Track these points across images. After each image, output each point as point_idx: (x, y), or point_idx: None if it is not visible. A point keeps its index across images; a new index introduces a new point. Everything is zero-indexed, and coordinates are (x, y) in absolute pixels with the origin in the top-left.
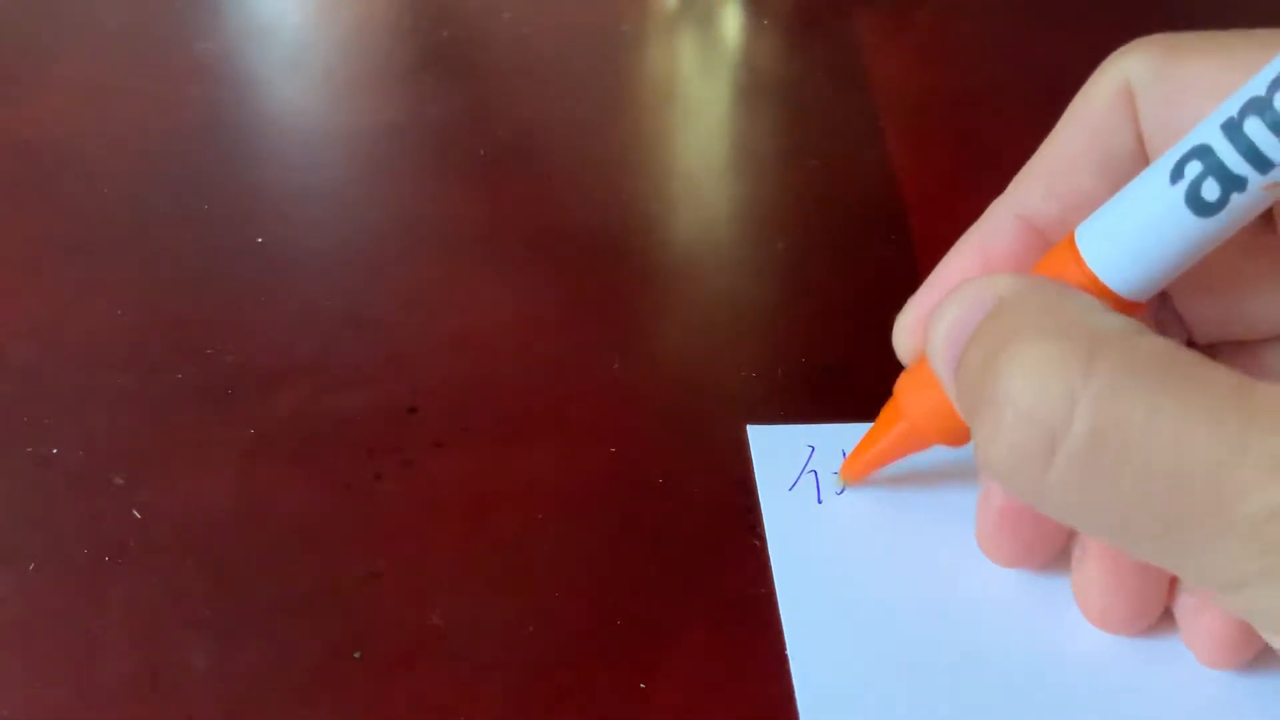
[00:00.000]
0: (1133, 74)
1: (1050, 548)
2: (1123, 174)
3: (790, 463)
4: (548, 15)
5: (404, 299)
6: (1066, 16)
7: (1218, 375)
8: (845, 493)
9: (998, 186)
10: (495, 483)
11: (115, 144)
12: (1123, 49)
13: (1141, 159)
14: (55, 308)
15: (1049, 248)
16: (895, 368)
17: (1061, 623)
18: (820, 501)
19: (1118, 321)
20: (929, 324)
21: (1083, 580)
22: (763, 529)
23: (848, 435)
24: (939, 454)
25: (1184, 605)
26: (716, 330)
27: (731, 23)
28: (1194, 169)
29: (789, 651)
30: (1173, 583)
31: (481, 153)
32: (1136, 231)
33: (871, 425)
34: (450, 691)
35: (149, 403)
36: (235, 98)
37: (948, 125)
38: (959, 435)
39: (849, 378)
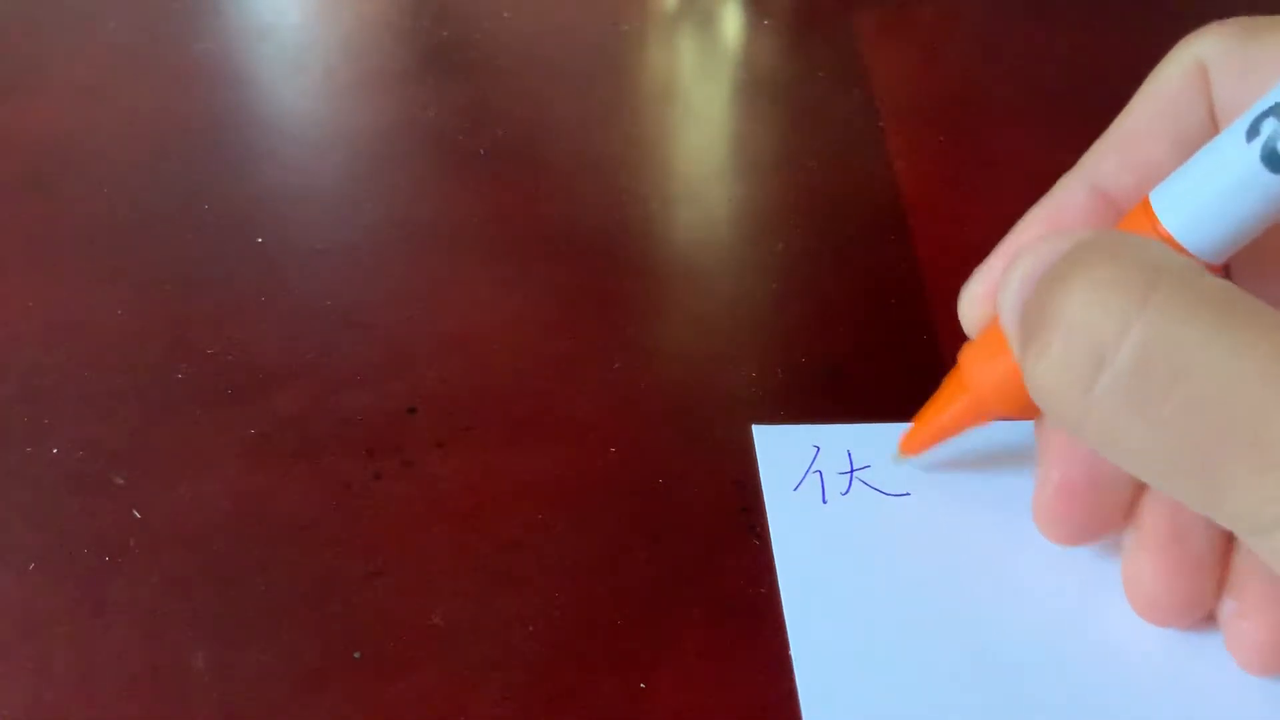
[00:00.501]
0: (1206, 53)
1: (1106, 526)
2: (1195, 147)
3: (795, 463)
4: (547, 15)
5: (404, 299)
6: (1066, 17)
7: (1276, 320)
8: (849, 495)
9: (997, 186)
10: (495, 483)
11: (115, 144)
12: (1196, 31)
13: (1214, 133)
14: (56, 308)
15: (1121, 217)
16: (895, 367)
17: (1070, 624)
18: (825, 502)
19: (1182, 260)
20: (1002, 279)
21: (1133, 568)
22: (763, 528)
23: (853, 436)
24: (950, 451)
25: (1228, 609)
26: (716, 330)
27: (731, 23)
28: (1270, 125)
29: (792, 652)
30: (1219, 583)
31: (481, 153)
32: (1212, 191)
33: (867, 422)
34: (450, 691)
35: (149, 403)
36: (235, 98)
37: (948, 125)
38: (1025, 406)
39: (849, 377)
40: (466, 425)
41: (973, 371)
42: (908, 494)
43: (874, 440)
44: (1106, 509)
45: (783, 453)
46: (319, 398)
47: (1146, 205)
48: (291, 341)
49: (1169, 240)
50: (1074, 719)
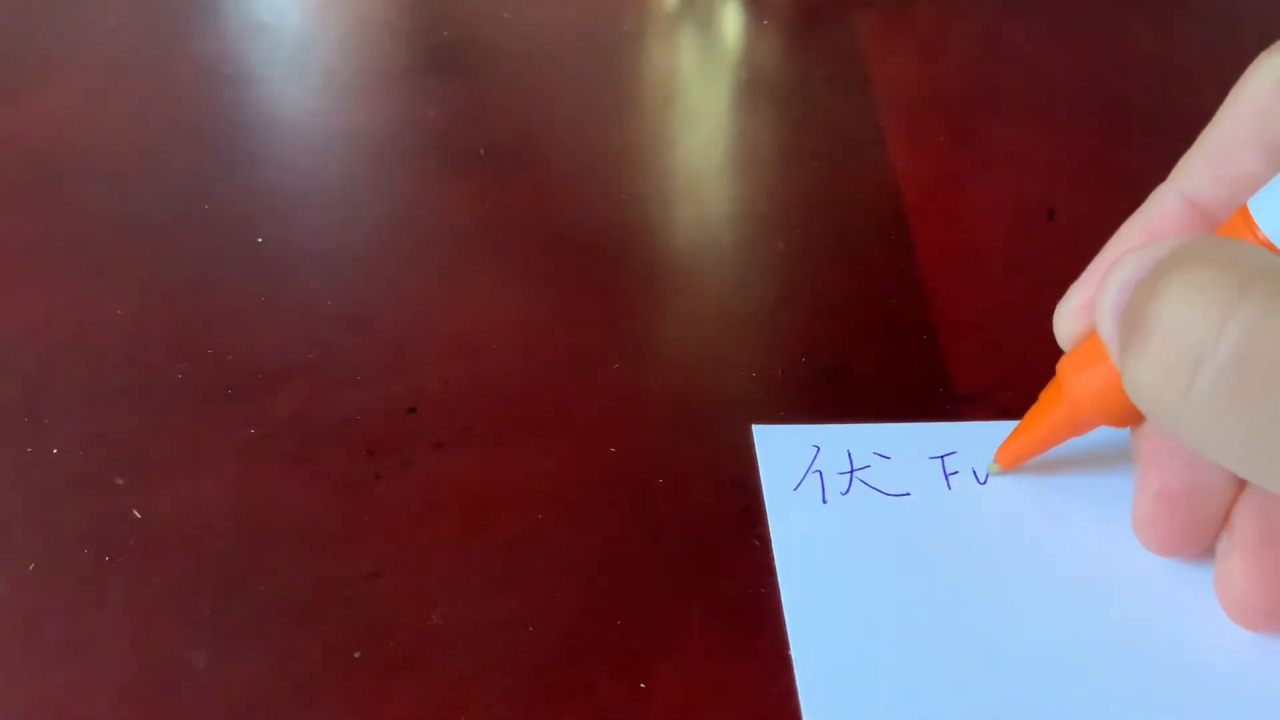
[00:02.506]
0: None
1: (1205, 534)
2: None
3: (795, 462)
4: (547, 15)
5: (404, 299)
6: (1066, 17)
7: None
8: (849, 495)
9: (997, 186)
10: (495, 483)
11: (115, 144)
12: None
13: None
14: (55, 308)
15: (1214, 228)
16: (894, 365)
17: (1072, 627)
18: (825, 501)
19: (1278, 261)
20: (1100, 287)
21: (1226, 571)
22: (763, 528)
23: (853, 436)
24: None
25: None
26: (716, 330)
27: (731, 23)
28: None
29: (792, 652)
30: None
31: (481, 153)
32: None
33: (867, 422)
34: (450, 691)
35: (149, 403)
36: (235, 98)
37: (948, 125)
38: (1124, 413)
39: (849, 377)
40: (466, 425)
41: (1071, 382)
42: (908, 494)
43: (873, 440)
44: (1204, 516)
45: (783, 452)
46: (319, 398)
47: (1245, 213)
48: (291, 341)
49: (1269, 246)
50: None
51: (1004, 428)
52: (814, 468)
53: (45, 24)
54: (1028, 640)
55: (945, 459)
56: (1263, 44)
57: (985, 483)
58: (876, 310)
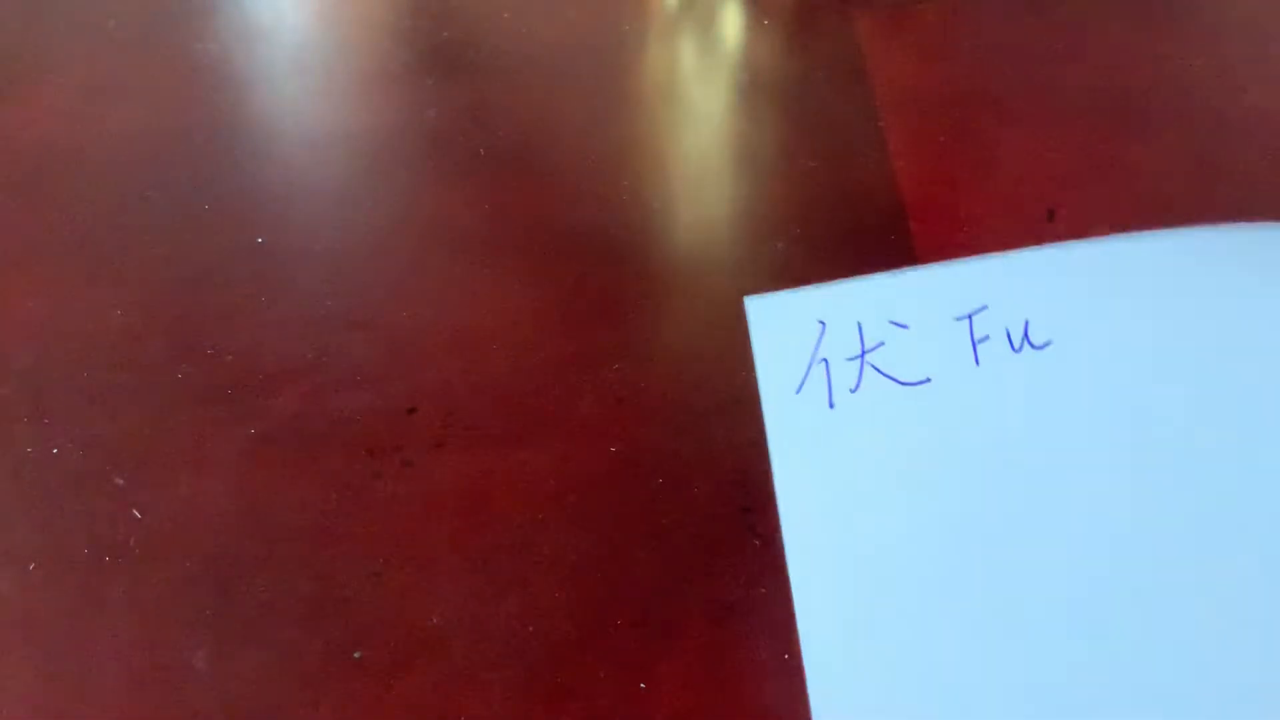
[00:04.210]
0: None
1: None
2: None
3: (797, 350)
4: (547, 15)
5: (404, 299)
6: (1066, 17)
7: None
8: (860, 391)
9: (997, 186)
10: (495, 483)
11: (115, 144)
12: None
13: None
14: (55, 308)
15: None
16: None
17: (1129, 552)
18: (832, 406)
19: None
20: None
21: None
22: (764, 529)
23: (864, 297)
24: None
25: None
26: (716, 331)
27: (731, 23)
28: None
29: (795, 601)
30: None
31: (481, 153)
32: None
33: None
34: (450, 691)
35: (149, 403)
36: (235, 98)
37: (948, 125)
38: None
39: None
40: (466, 425)
41: None
42: (928, 380)
43: (888, 300)
44: None
45: (781, 335)
46: (319, 398)
47: None
48: (291, 341)
49: None
50: (1101, 650)
51: (1050, 254)
52: (818, 356)
53: (45, 24)
54: (1073, 581)
55: (974, 319)
56: (1263, 45)
57: (1020, 350)
58: None
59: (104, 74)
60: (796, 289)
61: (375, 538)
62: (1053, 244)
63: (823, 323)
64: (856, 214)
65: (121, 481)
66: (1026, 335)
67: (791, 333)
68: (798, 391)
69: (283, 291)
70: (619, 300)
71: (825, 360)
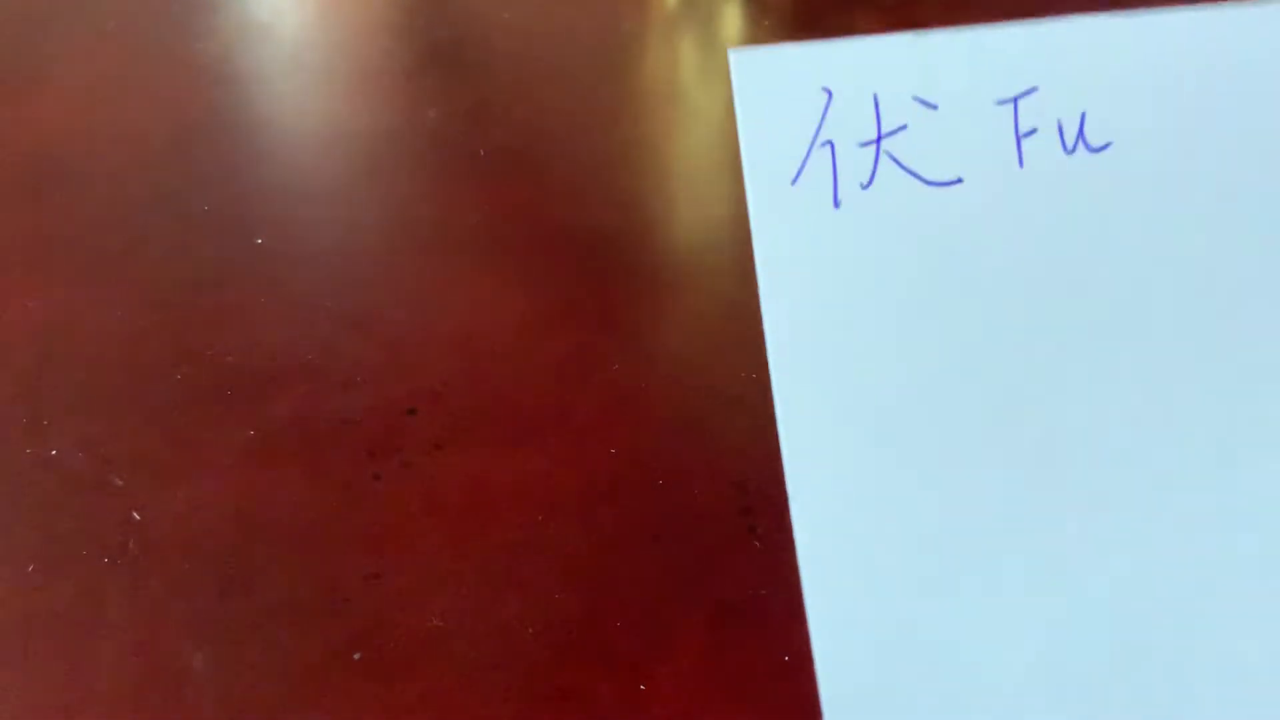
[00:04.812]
0: None
1: None
2: None
3: (796, 123)
4: (547, 15)
5: (404, 299)
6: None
7: None
8: (873, 188)
9: None
10: (495, 484)
11: (115, 144)
12: None
13: None
14: (54, 308)
15: None
16: None
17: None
18: (838, 205)
19: None
20: None
21: None
22: (764, 530)
23: (885, 60)
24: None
25: None
26: (716, 331)
27: (731, 23)
28: None
29: (789, 487)
30: None
31: (481, 153)
32: None
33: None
34: (450, 692)
35: (148, 404)
36: (235, 98)
37: None
38: None
39: None
40: (466, 426)
41: None
42: (959, 181)
43: (915, 69)
44: None
45: (775, 104)
46: (318, 399)
47: None
48: (291, 342)
49: None
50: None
51: (1119, 21)
52: (822, 135)
53: (45, 25)
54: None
55: (1020, 105)
56: None
57: (1074, 151)
58: None
59: (104, 74)
60: (798, 43)
61: (375, 539)
62: (1129, 11)
63: (829, 91)
64: None
65: (120, 483)
66: (1082, 133)
67: (788, 102)
68: (794, 181)
69: (282, 292)
70: (619, 300)
71: (830, 143)
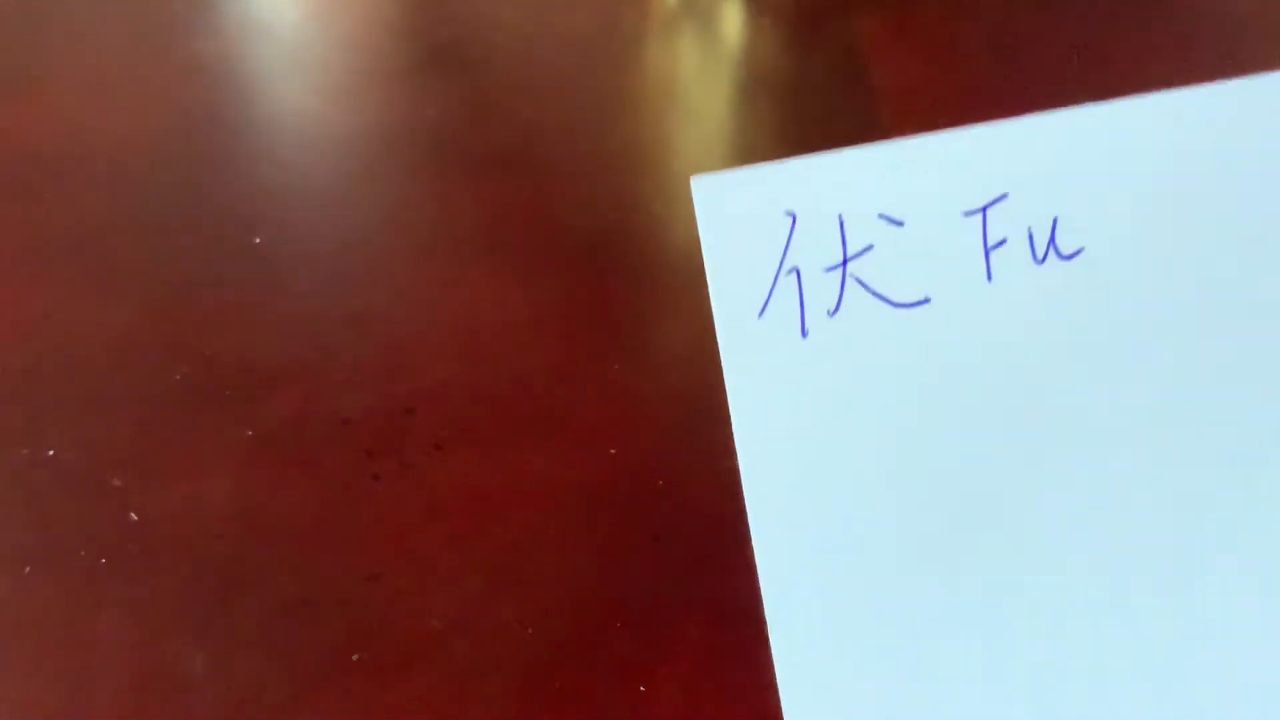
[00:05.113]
0: None
1: None
2: None
3: (760, 252)
4: (547, 15)
5: (403, 300)
6: (1066, 17)
7: None
8: (840, 315)
9: None
10: (494, 484)
11: (112, 144)
12: None
13: None
14: (52, 308)
15: None
16: None
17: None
18: (805, 334)
19: None
20: None
21: None
22: None
23: (849, 176)
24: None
25: None
26: (716, 331)
27: (731, 22)
28: None
29: (764, 602)
30: None
31: (481, 153)
32: None
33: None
34: (449, 694)
35: (146, 404)
36: (234, 97)
37: (950, 125)
38: None
39: None
40: (466, 426)
41: None
42: (926, 301)
43: (879, 182)
44: None
45: (740, 234)
46: (317, 399)
47: None
48: (289, 342)
49: None
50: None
51: (1088, 113)
52: (788, 263)
53: (44, 24)
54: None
55: (989, 214)
56: (1265, 46)
57: (1044, 261)
58: None
59: (102, 73)
60: (760, 164)
61: (374, 540)
62: (1097, 103)
63: (793, 215)
64: None
65: (119, 483)
66: (1053, 240)
67: (753, 230)
68: (760, 315)
69: (280, 292)
70: (619, 300)
71: (796, 269)
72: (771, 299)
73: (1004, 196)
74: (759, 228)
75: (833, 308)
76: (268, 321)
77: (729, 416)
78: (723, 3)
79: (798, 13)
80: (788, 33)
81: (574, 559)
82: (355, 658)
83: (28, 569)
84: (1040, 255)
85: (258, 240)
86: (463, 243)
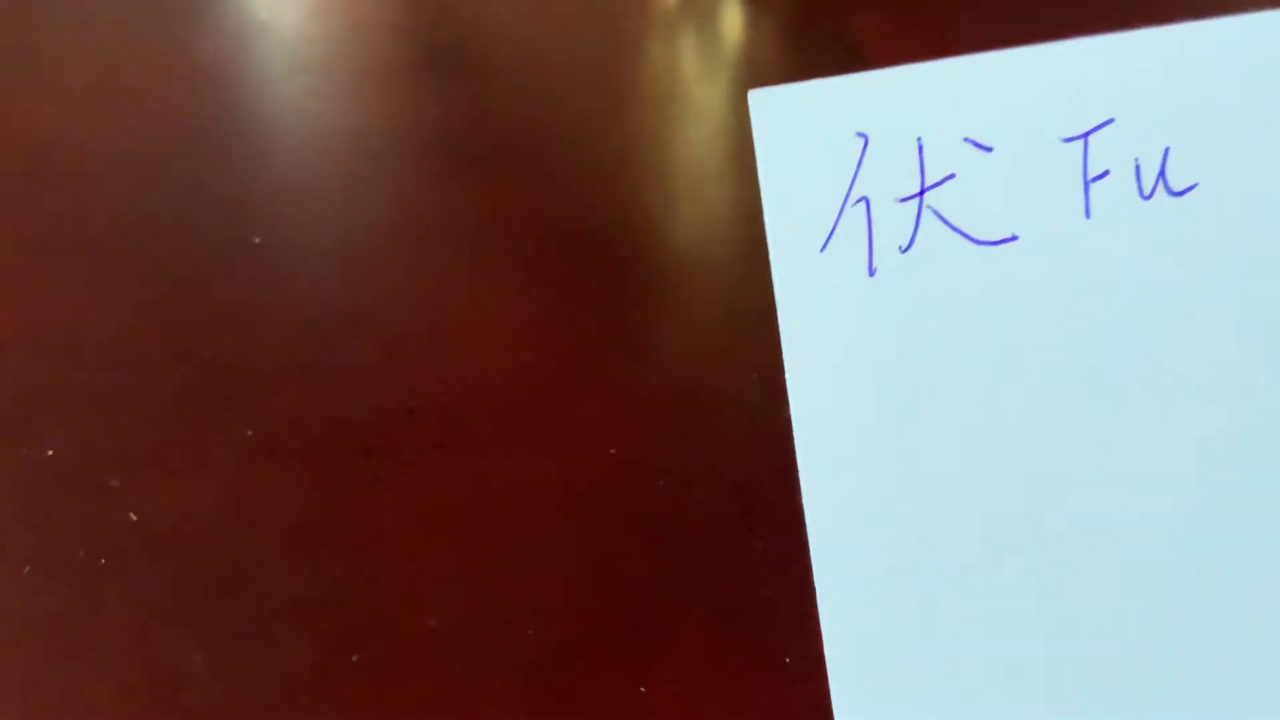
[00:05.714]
0: None
1: None
2: None
3: (825, 179)
4: (547, 15)
5: (403, 300)
6: (1067, 16)
7: None
8: (914, 250)
9: None
10: (494, 484)
11: (111, 143)
12: None
13: None
14: (52, 308)
15: None
16: None
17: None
18: (873, 273)
19: None
20: None
21: None
22: (764, 530)
23: (929, 92)
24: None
25: None
26: (717, 331)
27: (731, 22)
28: None
29: (815, 572)
30: None
31: (482, 153)
32: None
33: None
34: (449, 695)
35: (145, 404)
36: (233, 97)
37: None
38: None
39: None
40: (465, 427)
41: None
42: (1014, 238)
43: (965, 101)
44: None
45: (803, 155)
46: (316, 399)
47: None
48: (289, 342)
49: None
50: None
51: (1217, 27)
52: (856, 191)
53: (45, 24)
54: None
55: (1091, 142)
56: None
57: (1151, 196)
58: None
59: (101, 73)
60: (829, 78)
61: (373, 540)
62: (1228, 15)
63: (865, 136)
64: None
65: (117, 484)
66: (1163, 174)
67: (818, 152)
68: (823, 249)
69: (280, 292)
70: (619, 300)
71: (865, 200)
72: (836, 232)
73: (1109, 122)
74: (825, 150)
75: (905, 243)
76: (267, 321)
77: (730, 416)
78: (723, 3)
79: (797, 13)
80: (788, 32)
81: (574, 559)
82: (354, 658)
83: (27, 569)
84: (1148, 191)
85: (258, 240)
86: (462, 242)
